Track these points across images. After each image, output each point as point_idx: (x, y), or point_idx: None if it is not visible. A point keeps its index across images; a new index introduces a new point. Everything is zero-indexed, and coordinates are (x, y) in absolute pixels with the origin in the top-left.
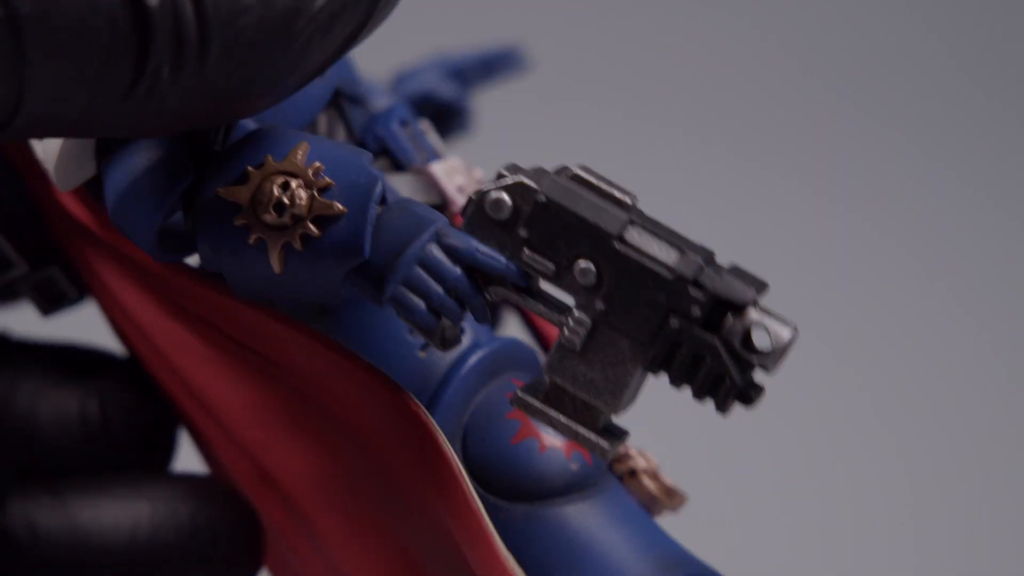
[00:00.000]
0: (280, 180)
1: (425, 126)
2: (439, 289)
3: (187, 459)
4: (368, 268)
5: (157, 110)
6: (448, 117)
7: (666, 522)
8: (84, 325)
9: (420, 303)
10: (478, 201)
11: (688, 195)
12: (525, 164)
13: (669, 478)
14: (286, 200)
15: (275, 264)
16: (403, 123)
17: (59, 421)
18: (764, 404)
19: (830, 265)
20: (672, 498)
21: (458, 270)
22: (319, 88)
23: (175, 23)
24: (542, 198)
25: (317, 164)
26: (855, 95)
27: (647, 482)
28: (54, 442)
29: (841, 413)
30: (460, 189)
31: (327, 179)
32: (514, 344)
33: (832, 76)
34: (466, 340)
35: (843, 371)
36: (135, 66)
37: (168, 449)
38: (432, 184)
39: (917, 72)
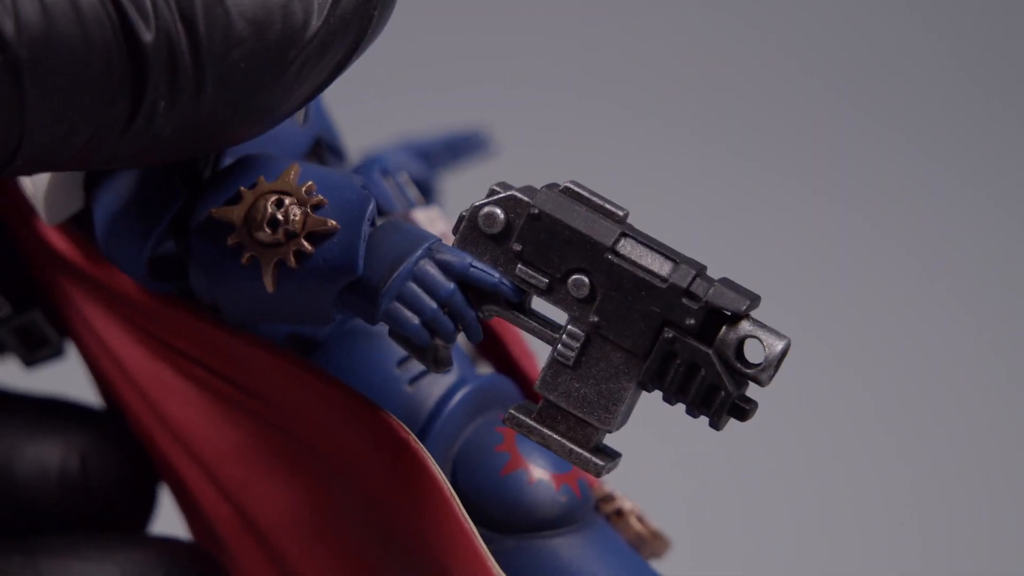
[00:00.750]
0: (273, 198)
1: (404, 178)
2: (433, 304)
3: (168, 519)
4: (362, 285)
5: (153, 142)
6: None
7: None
8: (64, 379)
9: (414, 318)
10: (471, 216)
11: (689, 195)
12: (526, 165)
13: (654, 522)
14: (280, 216)
15: (268, 283)
16: (384, 173)
17: (38, 475)
18: (765, 404)
19: (830, 265)
20: (658, 541)
21: (452, 285)
22: (302, 135)
23: (170, 57)
24: (535, 210)
25: (310, 183)
26: (855, 95)
27: (634, 522)
28: (31, 496)
29: (841, 413)
30: (441, 236)
31: (320, 196)
32: (500, 381)
33: (832, 76)
34: (453, 376)
35: (843, 371)
36: (132, 101)
37: (148, 508)
38: None
39: (917, 72)
